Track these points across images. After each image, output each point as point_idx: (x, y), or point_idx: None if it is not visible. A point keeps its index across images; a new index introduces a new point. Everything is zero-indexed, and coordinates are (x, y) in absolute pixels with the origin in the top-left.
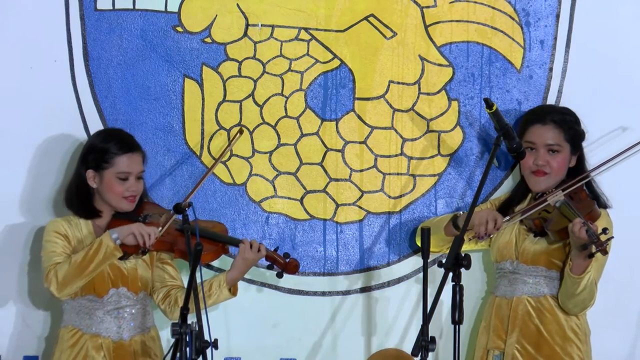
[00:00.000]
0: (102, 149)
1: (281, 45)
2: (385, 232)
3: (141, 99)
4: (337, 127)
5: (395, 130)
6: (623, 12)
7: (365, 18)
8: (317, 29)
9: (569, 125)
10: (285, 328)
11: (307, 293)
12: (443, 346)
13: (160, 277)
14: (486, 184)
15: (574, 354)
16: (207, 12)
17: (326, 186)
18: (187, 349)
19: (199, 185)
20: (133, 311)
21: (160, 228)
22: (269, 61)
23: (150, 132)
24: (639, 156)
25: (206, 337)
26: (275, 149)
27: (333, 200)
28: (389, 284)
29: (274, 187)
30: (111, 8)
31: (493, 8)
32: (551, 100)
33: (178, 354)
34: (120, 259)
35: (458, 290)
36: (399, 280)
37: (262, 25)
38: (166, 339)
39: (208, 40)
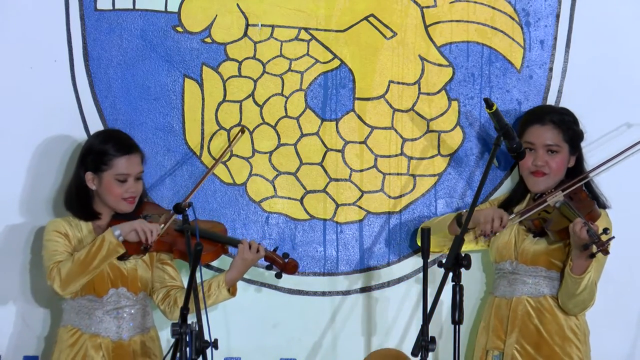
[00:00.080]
0: (100, 150)
1: (281, 45)
2: (385, 232)
3: (141, 99)
4: (337, 127)
5: (395, 130)
6: (623, 12)
7: (365, 18)
8: (317, 29)
9: (567, 126)
10: (285, 328)
11: (307, 293)
12: (443, 346)
13: (160, 278)
14: (486, 184)
15: (573, 354)
16: (207, 12)
17: (326, 186)
18: (187, 349)
19: (199, 186)
20: (132, 311)
21: (162, 225)
22: (269, 61)
23: (150, 132)
24: (638, 156)
25: (206, 337)
26: (275, 149)
27: (333, 200)
28: (389, 284)
29: (274, 187)
30: (111, 8)
31: (493, 8)
32: (551, 100)
33: (178, 354)
34: (120, 259)
35: (458, 290)
36: (399, 280)
37: (262, 25)
38: (166, 339)
39: (208, 40)
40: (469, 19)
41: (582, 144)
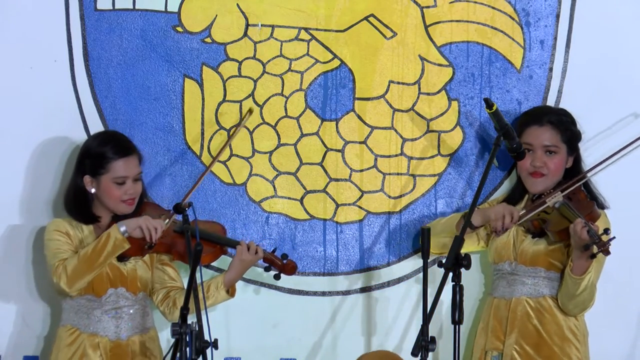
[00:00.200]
0: (97, 154)
1: (281, 45)
2: (385, 232)
3: (141, 99)
4: (337, 127)
5: (395, 130)
6: (623, 12)
7: (365, 18)
8: (317, 29)
9: (565, 127)
10: (285, 328)
11: (307, 293)
12: (443, 346)
13: (160, 279)
14: (486, 184)
15: (572, 355)
16: (207, 12)
17: (326, 186)
18: (187, 349)
19: (199, 183)
20: (131, 311)
21: (167, 220)
22: (269, 61)
23: (150, 132)
24: (637, 156)
25: (206, 337)
26: (275, 149)
27: (333, 200)
28: (389, 284)
29: (274, 187)
30: (111, 8)
31: (493, 8)
32: (551, 100)
33: (178, 354)
34: (120, 260)
35: (458, 290)
36: (399, 280)
37: (262, 25)
38: (166, 339)
39: (208, 40)
40: (469, 19)
41: (580, 144)
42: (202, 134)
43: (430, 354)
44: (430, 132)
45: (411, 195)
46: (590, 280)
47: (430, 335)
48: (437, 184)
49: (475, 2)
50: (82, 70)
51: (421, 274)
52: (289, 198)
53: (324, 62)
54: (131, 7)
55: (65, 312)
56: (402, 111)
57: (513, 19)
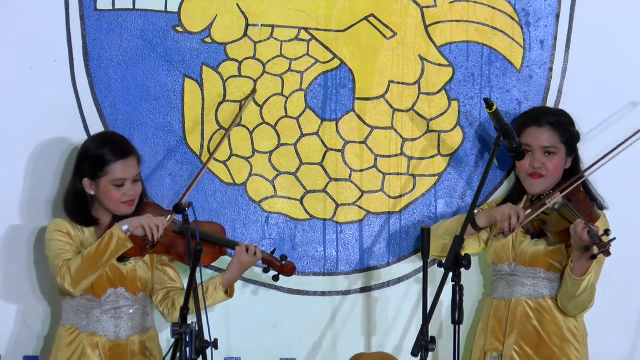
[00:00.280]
0: (95, 156)
1: (281, 45)
2: (385, 232)
3: (141, 99)
4: (337, 127)
5: (395, 130)
6: (623, 12)
7: (365, 18)
8: (317, 29)
9: (564, 127)
10: (285, 328)
11: (307, 293)
12: (443, 346)
13: (160, 279)
14: (486, 184)
15: (572, 356)
16: (207, 12)
17: (326, 186)
18: (187, 349)
19: (198, 178)
20: (131, 311)
21: (168, 217)
22: (269, 61)
23: (150, 132)
24: (636, 156)
25: (206, 337)
26: (275, 149)
27: (333, 200)
28: (389, 284)
29: (274, 187)
30: (111, 8)
31: (493, 8)
32: (551, 100)
33: (178, 354)
34: (120, 260)
35: (458, 290)
36: (399, 280)
37: (262, 25)
38: (166, 339)
39: (208, 40)
40: (469, 19)
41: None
42: (202, 134)
43: (430, 354)
44: (430, 132)
45: (411, 195)
46: (590, 281)
47: (430, 335)
48: (437, 184)
49: (475, 2)
50: (82, 70)
51: (421, 274)
52: (289, 198)
53: (324, 62)
54: (131, 7)
55: (65, 312)
56: (402, 111)
57: (513, 19)
